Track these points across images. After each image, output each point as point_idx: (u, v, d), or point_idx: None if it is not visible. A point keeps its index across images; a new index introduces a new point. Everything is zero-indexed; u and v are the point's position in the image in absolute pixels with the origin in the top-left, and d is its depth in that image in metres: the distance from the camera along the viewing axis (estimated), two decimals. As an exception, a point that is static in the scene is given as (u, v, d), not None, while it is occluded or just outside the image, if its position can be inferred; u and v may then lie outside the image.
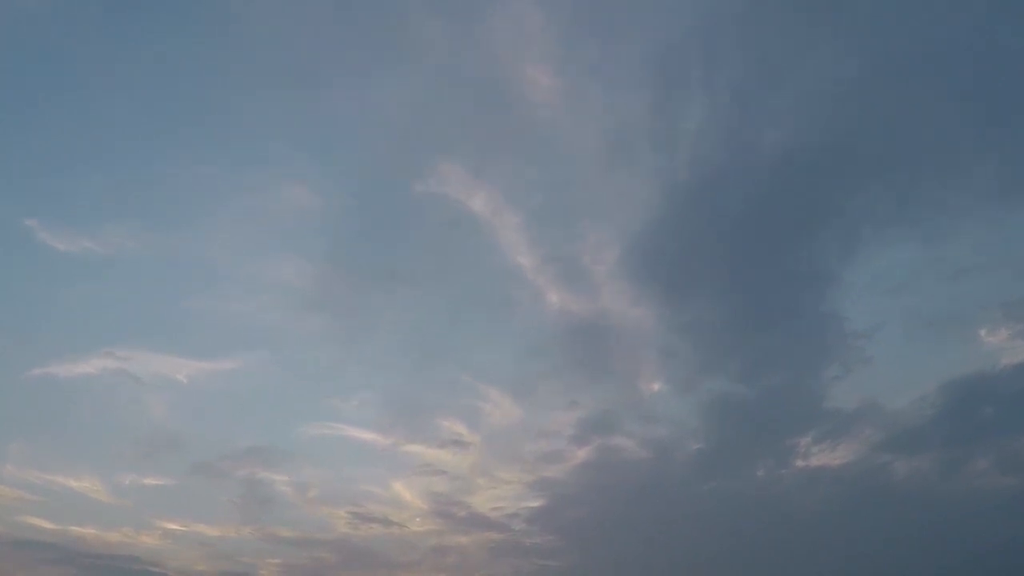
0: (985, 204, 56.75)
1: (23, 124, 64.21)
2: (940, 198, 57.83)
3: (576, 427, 63.23)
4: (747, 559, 56.22)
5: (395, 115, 66.74)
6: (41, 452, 59.05)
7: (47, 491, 57.01)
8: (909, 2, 58.18)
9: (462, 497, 62.17)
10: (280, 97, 68.35)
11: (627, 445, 62.23)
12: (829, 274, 60.20)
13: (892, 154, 59.64)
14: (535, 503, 61.89)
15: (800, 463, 58.48)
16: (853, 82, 58.48)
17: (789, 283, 61.64)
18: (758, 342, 62.24)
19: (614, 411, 63.46)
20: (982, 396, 54.51)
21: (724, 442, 60.29)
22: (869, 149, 59.57)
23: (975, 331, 57.52)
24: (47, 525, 55.85)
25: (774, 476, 59.01)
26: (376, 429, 64.03)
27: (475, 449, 63.60)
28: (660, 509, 59.67)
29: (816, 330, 60.35)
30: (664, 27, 62.12)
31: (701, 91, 62.27)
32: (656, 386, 63.55)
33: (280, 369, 67.19)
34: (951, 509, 53.29)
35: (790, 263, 62.12)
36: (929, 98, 56.65)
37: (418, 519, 62.00)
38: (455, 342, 67.72)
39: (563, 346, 65.45)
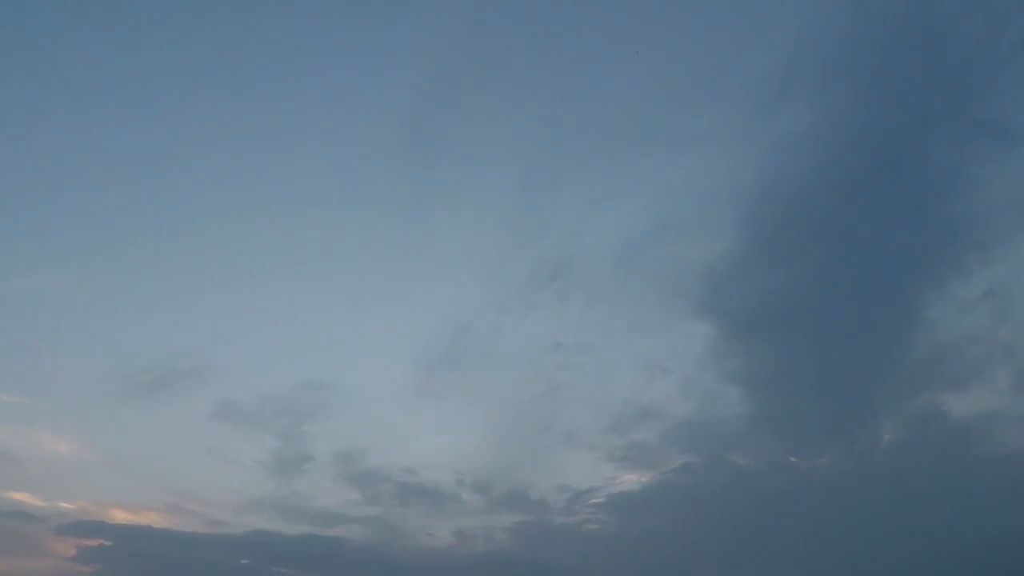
0: None
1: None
2: None
3: (692, 361, 50.33)
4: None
5: None
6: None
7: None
8: None
9: (515, 468, 53.27)
10: None
11: (733, 394, 51.51)
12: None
13: None
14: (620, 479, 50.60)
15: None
16: None
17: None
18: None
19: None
20: None
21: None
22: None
23: None
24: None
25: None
26: (426, 370, 55.49)
27: (551, 397, 52.40)
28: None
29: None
30: None
31: None
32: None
33: (331, 267, 58.67)
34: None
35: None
36: None
37: (464, 493, 53.78)
38: (555, 217, 55.04)
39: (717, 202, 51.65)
